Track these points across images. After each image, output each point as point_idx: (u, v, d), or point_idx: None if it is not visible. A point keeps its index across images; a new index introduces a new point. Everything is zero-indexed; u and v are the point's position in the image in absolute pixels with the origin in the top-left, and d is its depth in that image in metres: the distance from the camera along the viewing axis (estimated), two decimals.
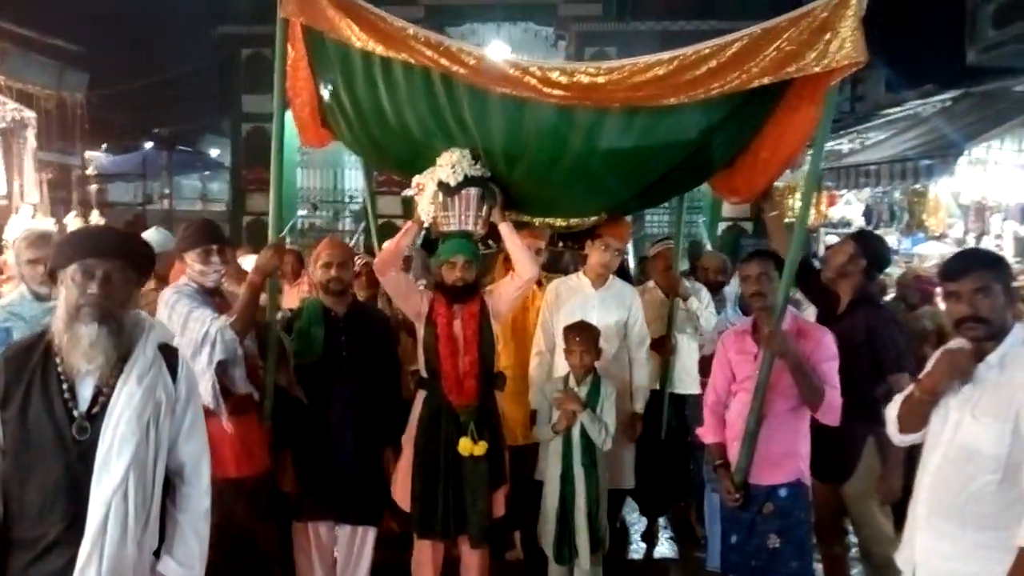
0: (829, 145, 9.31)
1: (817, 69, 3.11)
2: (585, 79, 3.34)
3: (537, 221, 4.30)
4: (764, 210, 4.06)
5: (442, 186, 3.64)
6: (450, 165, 3.63)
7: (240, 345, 3.31)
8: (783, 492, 3.33)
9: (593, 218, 4.29)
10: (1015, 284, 2.71)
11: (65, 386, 2.11)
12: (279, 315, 3.77)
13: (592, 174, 3.67)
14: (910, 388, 2.68)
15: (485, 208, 3.75)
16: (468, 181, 3.64)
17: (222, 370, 3.27)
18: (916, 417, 2.63)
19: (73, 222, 8.79)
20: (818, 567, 3.78)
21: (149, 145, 18.95)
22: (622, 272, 4.85)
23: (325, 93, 3.85)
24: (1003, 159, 8.56)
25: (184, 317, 3.26)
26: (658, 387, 4.72)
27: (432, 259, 4.06)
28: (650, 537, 5.09)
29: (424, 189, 3.74)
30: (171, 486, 2.27)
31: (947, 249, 8.43)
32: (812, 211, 6.46)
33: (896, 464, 3.48)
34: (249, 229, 13.78)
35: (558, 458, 3.89)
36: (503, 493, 3.85)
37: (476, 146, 3.65)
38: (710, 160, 3.72)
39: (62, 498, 2.07)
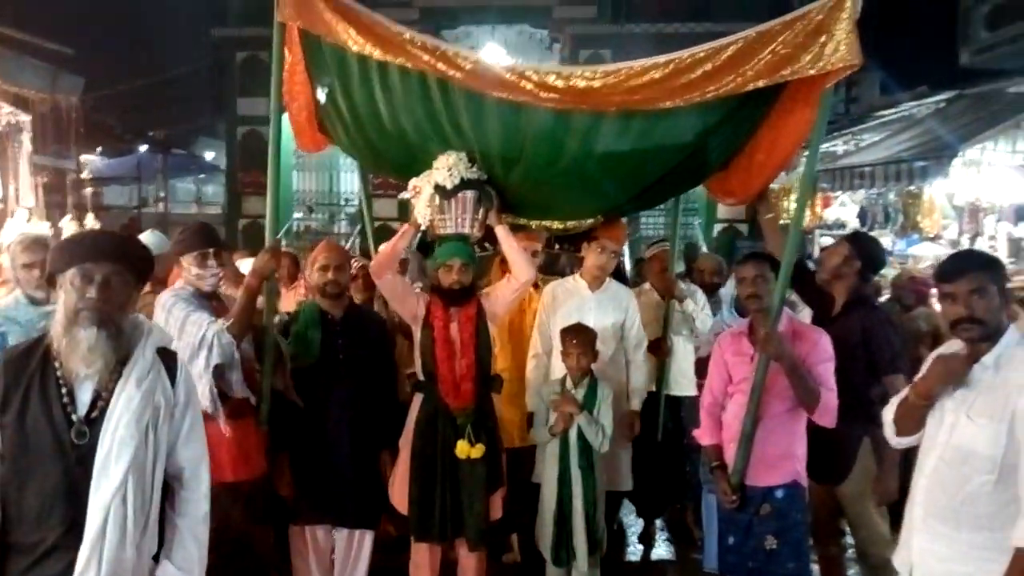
0: (824, 147, 9.32)
1: (812, 72, 3.13)
2: (581, 83, 3.35)
3: (534, 224, 4.30)
4: (760, 212, 4.08)
5: (438, 189, 3.65)
6: (446, 168, 3.63)
7: (237, 349, 3.31)
8: (780, 493, 3.34)
9: (589, 221, 4.29)
10: (1010, 285, 2.73)
11: (64, 390, 2.10)
12: (276, 319, 3.77)
13: (588, 177, 3.68)
14: (905, 391, 2.69)
15: (481, 211, 3.76)
16: (464, 184, 3.64)
17: (219, 374, 3.27)
18: (912, 420, 2.64)
19: (68, 226, 8.77)
20: (815, 568, 3.79)
21: (144, 148, 18.90)
22: (618, 274, 4.86)
23: (322, 97, 3.85)
24: (997, 160, 8.58)
25: (181, 321, 3.26)
26: (654, 389, 4.73)
27: (428, 262, 4.07)
28: (647, 539, 5.09)
29: (421, 192, 3.75)
30: (170, 490, 2.27)
31: (941, 250, 8.47)
32: (807, 213, 6.48)
33: (892, 465, 3.49)
34: (245, 232, 13.75)
35: (555, 460, 3.90)
36: (500, 496, 3.85)
37: (472, 149, 3.66)
38: (706, 162, 3.74)
39: (61, 502, 2.06)
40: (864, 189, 10.01)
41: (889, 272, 6.73)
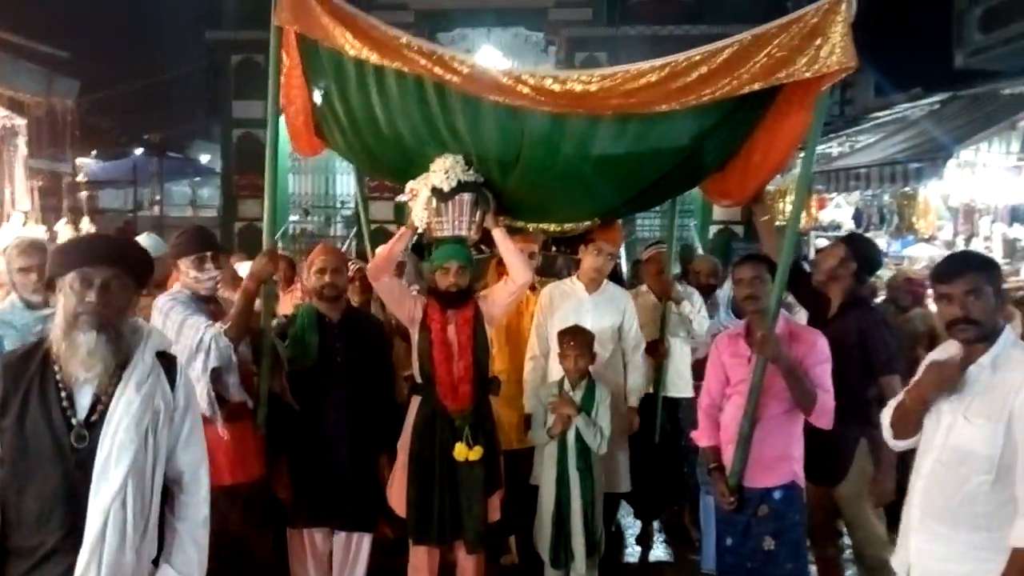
0: (819, 148, 9.34)
1: (808, 74, 3.14)
2: (578, 87, 3.36)
3: (530, 226, 4.31)
4: (755, 214, 4.10)
5: (436, 191, 3.65)
6: (444, 171, 3.64)
7: (234, 352, 3.31)
8: (777, 495, 3.35)
9: (586, 223, 4.31)
10: (1005, 286, 2.74)
11: (63, 394, 2.10)
12: (273, 322, 3.77)
13: (585, 180, 3.69)
14: (902, 395, 2.70)
15: (478, 213, 3.76)
16: (461, 187, 3.65)
17: (216, 377, 3.27)
18: (908, 424, 2.65)
19: (64, 230, 8.75)
20: (812, 569, 3.80)
21: (139, 151, 18.90)
22: (615, 276, 4.86)
23: (319, 101, 3.85)
24: (991, 161, 8.63)
25: (178, 324, 3.26)
26: (651, 391, 4.73)
27: (425, 264, 4.07)
28: (645, 540, 5.09)
29: (418, 195, 3.75)
30: (170, 494, 2.27)
31: (937, 252, 8.49)
32: (803, 214, 6.49)
33: (889, 466, 3.50)
34: (240, 235, 13.72)
35: (553, 462, 3.90)
36: (498, 498, 3.86)
37: (470, 153, 3.66)
38: (702, 165, 3.75)
39: (60, 506, 2.06)
40: (859, 190, 10.04)
41: (885, 273, 6.74)
